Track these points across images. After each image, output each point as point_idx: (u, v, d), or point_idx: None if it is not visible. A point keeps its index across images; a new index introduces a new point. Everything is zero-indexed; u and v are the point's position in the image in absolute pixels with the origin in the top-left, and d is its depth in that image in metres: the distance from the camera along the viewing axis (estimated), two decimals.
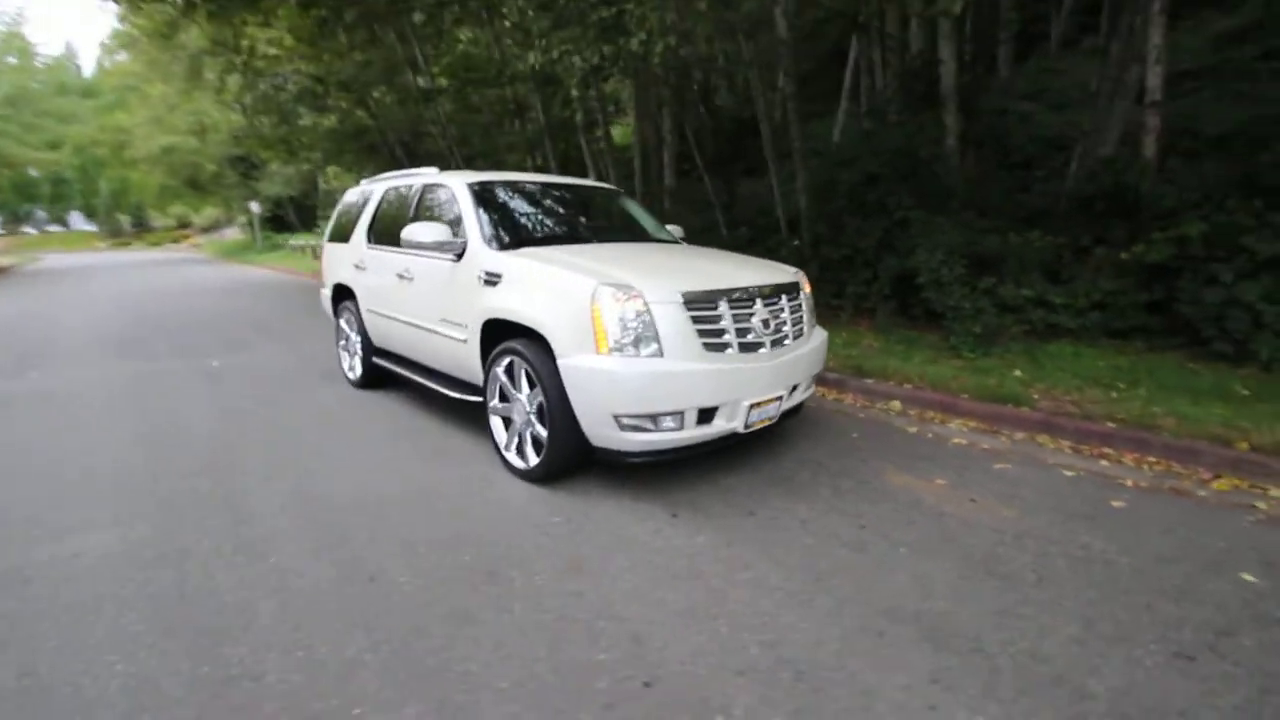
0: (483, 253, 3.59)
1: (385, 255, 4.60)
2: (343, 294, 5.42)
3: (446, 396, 3.95)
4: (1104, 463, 3.55)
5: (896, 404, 4.66)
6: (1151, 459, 3.55)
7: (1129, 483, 3.28)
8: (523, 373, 3.25)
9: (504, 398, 3.45)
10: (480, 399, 3.71)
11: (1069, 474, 3.40)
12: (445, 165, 14.63)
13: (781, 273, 3.57)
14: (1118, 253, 5.51)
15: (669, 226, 4.71)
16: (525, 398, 3.26)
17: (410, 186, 4.62)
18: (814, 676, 1.88)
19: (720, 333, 3.03)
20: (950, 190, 6.74)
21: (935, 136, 7.03)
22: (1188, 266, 4.88)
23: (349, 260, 5.17)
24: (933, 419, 4.38)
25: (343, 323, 5.45)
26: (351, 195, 5.67)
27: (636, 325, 2.86)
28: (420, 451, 3.79)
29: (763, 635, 2.06)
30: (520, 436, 3.36)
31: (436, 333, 3.94)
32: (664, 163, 10.69)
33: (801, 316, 3.50)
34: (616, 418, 2.86)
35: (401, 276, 4.30)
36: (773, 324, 3.23)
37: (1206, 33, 6.58)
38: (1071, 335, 5.41)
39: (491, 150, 13.66)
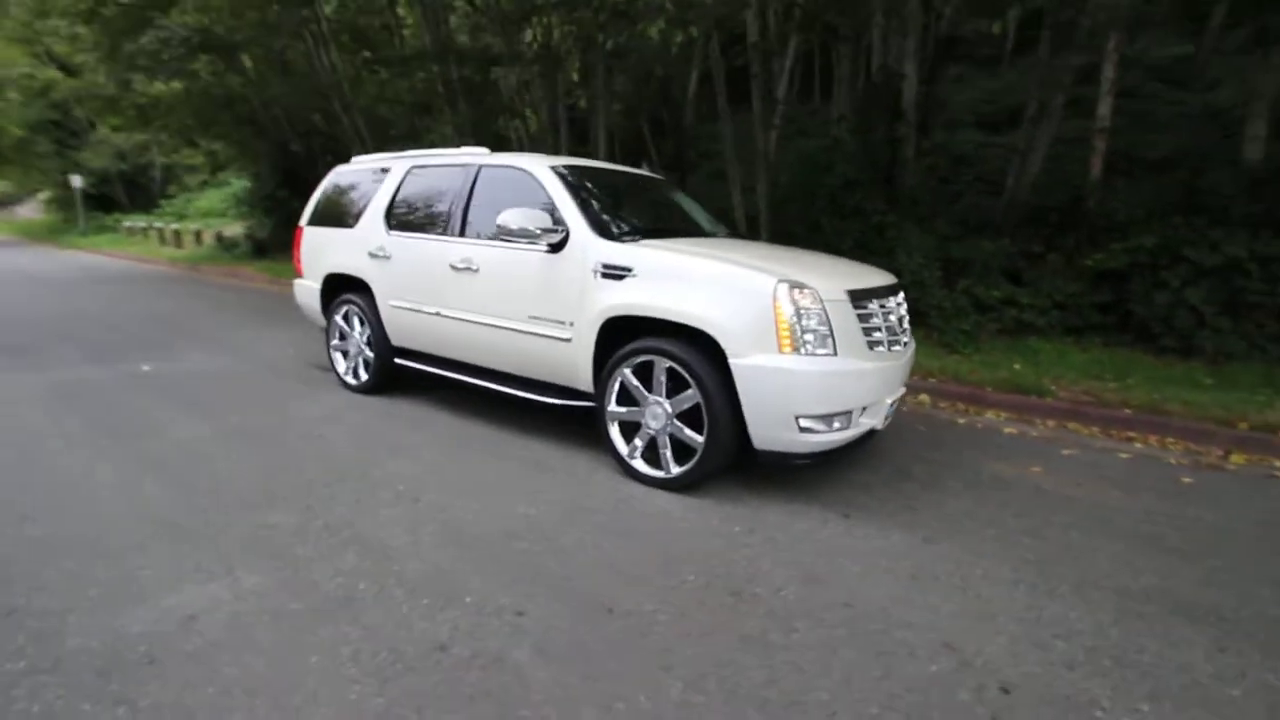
0: (596, 244, 3.31)
1: (425, 243, 4.08)
2: (342, 286, 4.73)
3: (495, 397, 3.60)
4: (1138, 445, 4.04)
5: (925, 398, 4.97)
6: (1170, 440, 4.10)
7: (1172, 461, 3.77)
8: (663, 375, 3.04)
9: (628, 401, 3.21)
10: (585, 404, 3.43)
11: (1124, 456, 3.83)
12: (349, 151, 13.35)
13: (885, 274, 3.66)
14: (1070, 259, 6.31)
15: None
16: (667, 401, 3.06)
17: (455, 167, 4.13)
18: (1133, 663, 1.96)
19: (872, 330, 3.04)
20: (914, 198, 7.30)
21: (896, 146, 7.57)
22: (1137, 273, 5.69)
23: (355, 248, 4.52)
24: (967, 410, 4.73)
25: (339, 320, 4.75)
26: (345, 174, 4.97)
27: (815, 324, 2.79)
28: (523, 465, 3.42)
29: (1052, 629, 2.11)
30: (653, 443, 3.15)
31: (520, 331, 3.57)
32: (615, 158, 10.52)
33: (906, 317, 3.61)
34: (797, 419, 2.77)
35: (457, 268, 3.84)
36: (899, 323, 3.31)
37: (1145, 64, 7.68)
38: (1039, 332, 6.09)
39: (410, 136, 12.61)
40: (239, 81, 12.95)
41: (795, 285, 2.80)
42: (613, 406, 3.26)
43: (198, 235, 17.28)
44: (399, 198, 4.39)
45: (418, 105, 12.00)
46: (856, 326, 2.94)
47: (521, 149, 10.45)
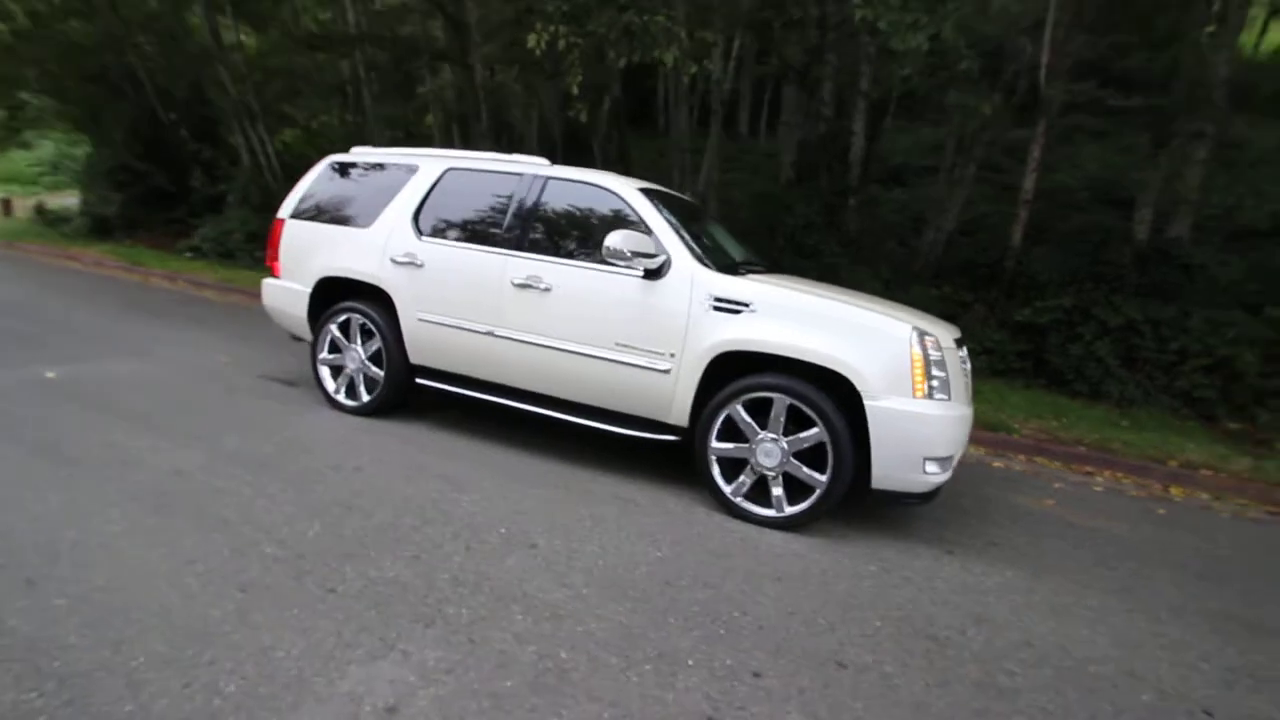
0: (704, 275, 3.22)
1: (475, 255, 3.71)
2: (342, 293, 4.13)
3: (504, 418, 3.39)
4: (1099, 479, 4.70)
5: None
6: (1120, 474, 4.82)
7: (1134, 494, 4.44)
8: (783, 412, 3.02)
9: (735, 438, 3.14)
10: (671, 438, 3.30)
11: (1099, 489, 4.44)
12: (229, 128, 11.76)
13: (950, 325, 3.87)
14: (993, 309, 7.21)
15: None
16: (784, 439, 3.03)
17: (509, 175, 3.81)
18: (1268, 676, 2.27)
19: (965, 377, 3.27)
20: (859, 243, 7.96)
21: (845, 194, 8.23)
22: (1054, 327, 6.65)
23: (369, 251, 3.99)
24: None
25: (333, 330, 4.14)
26: (346, 165, 4.38)
27: (940, 370, 2.95)
28: (608, 501, 3.20)
29: (1188, 653, 2.39)
30: (762, 480, 3.10)
31: (603, 359, 3.35)
32: None
33: None
34: (925, 460, 2.89)
35: (520, 285, 3.54)
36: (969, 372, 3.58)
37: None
38: (976, 375, 6.87)
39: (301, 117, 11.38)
40: (95, 30, 10.92)
41: (925, 333, 2.95)
42: (715, 443, 3.18)
43: (4, 205, 14.15)
44: (432, 199, 3.96)
45: (333, 88, 10.89)
46: (961, 372, 3.14)
47: (430, 144, 9.90)
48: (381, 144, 11.06)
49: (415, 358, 3.96)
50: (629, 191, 3.53)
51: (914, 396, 2.87)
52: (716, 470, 3.19)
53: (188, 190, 12.16)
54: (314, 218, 4.31)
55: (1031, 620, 2.51)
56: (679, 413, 3.28)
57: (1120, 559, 3.22)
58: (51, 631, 1.84)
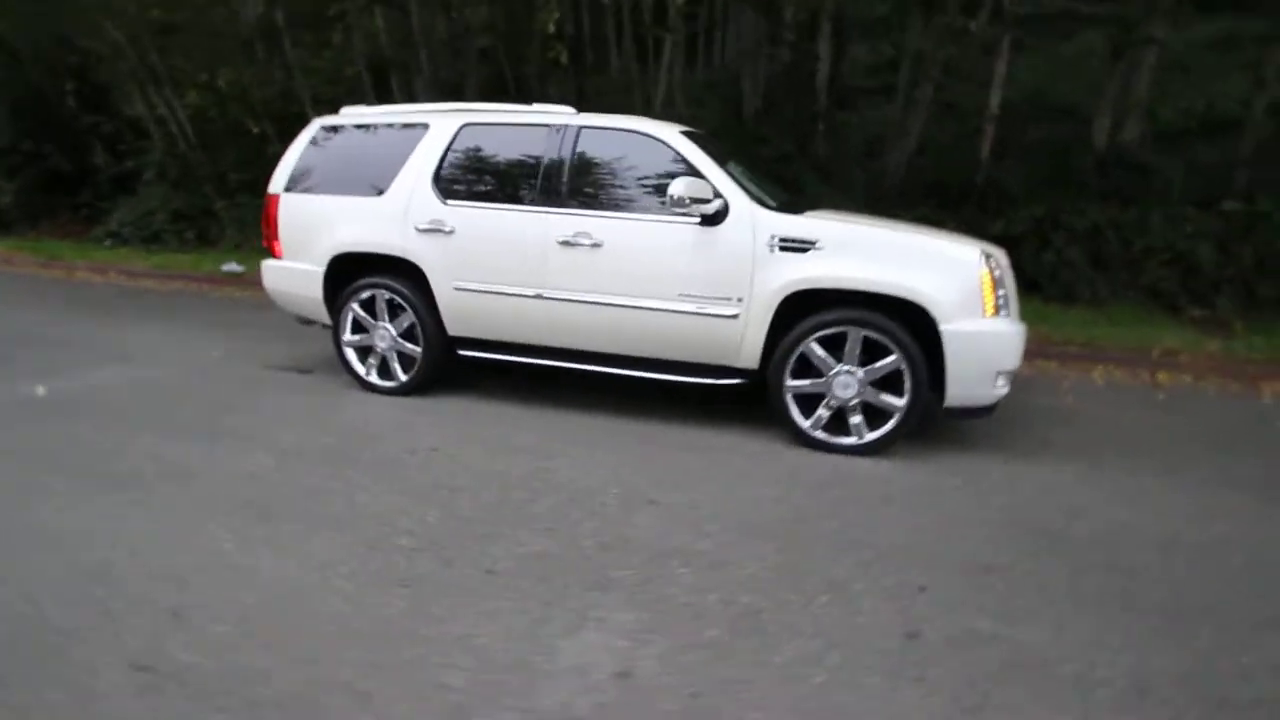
0: (765, 216, 3.21)
1: (511, 216, 3.55)
2: (361, 269, 3.88)
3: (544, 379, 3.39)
4: (1094, 374, 5.08)
5: None
6: (1112, 366, 5.23)
7: (1132, 383, 4.84)
8: (858, 344, 3.10)
9: (809, 374, 3.21)
10: (737, 381, 3.34)
11: (1100, 383, 4.81)
12: (128, 94, 10.53)
13: None
14: (969, 226, 7.49)
15: None
16: (861, 370, 3.13)
17: (534, 127, 3.61)
18: None
19: (1015, 294, 3.42)
20: (830, 170, 8.03)
21: (813, 120, 8.22)
22: (1027, 237, 6.98)
23: (389, 221, 3.75)
24: None
25: (356, 309, 3.91)
26: (339, 128, 4.04)
27: (1003, 289, 3.08)
28: (694, 451, 3.25)
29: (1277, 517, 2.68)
30: (839, 411, 3.20)
31: (667, 311, 3.32)
32: None
33: None
34: (998, 375, 3.05)
35: (569, 243, 3.42)
36: None
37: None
38: None
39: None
40: None
41: (989, 254, 3.06)
42: (791, 381, 3.24)
43: None
44: (450, 160, 3.72)
45: (241, 41, 9.82)
46: (1014, 290, 3.30)
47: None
48: (309, 101, 10.24)
49: (455, 329, 3.80)
50: (673, 136, 3.42)
51: (984, 316, 3.01)
52: (795, 407, 3.28)
53: (91, 170, 10.94)
54: (313, 189, 3.99)
55: (1115, 507, 2.75)
56: (749, 356, 3.31)
57: (1152, 443, 3.54)
58: (234, 660, 1.75)
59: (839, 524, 2.54)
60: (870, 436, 3.19)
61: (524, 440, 3.32)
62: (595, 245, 3.40)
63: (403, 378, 3.94)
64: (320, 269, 3.94)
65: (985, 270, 3.01)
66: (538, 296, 3.54)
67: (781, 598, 2.06)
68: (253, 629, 1.88)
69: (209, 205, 10.55)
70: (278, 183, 4.07)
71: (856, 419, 3.20)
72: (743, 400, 3.59)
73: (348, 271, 3.93)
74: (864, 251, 3.11)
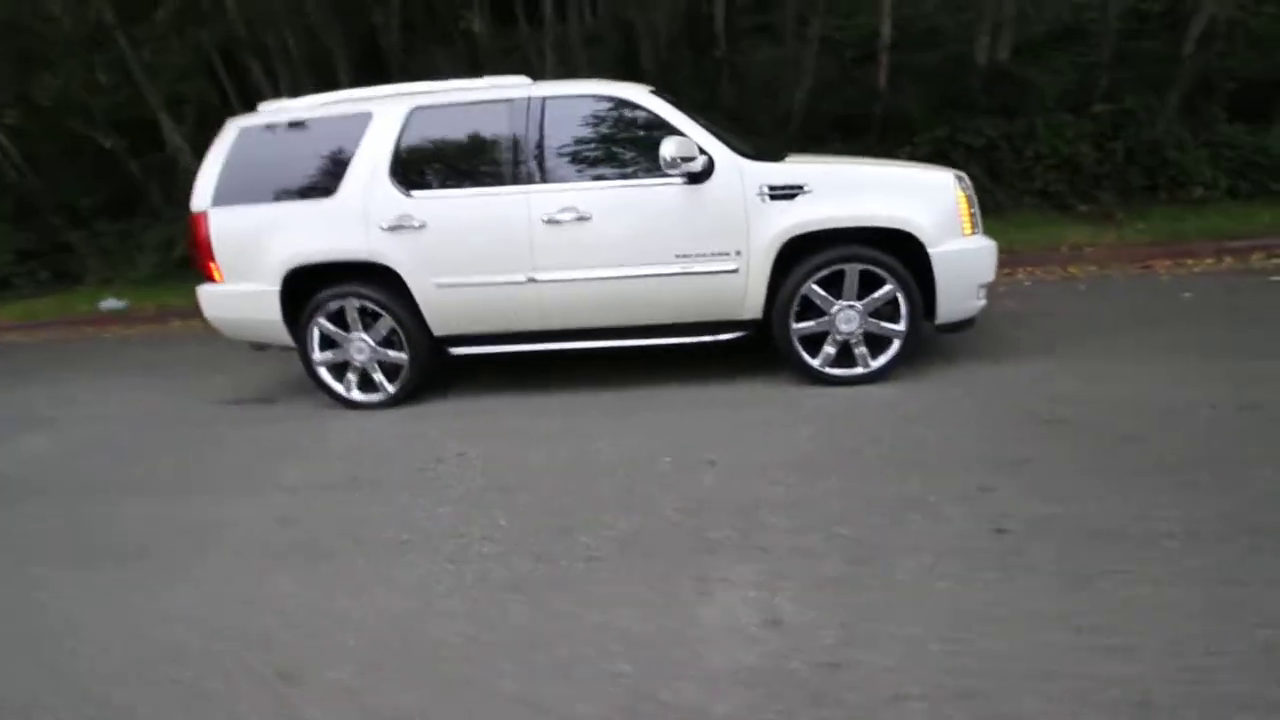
0: (750, 167, 3.25)
1: (487, 199, 3.39)
2: (322, 279, 3.57)
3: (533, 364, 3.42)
4: (1020, 276, 5.60)
5: None
6: (1031, 268, 5.77)
7: (1051, 279, 5.38)
8: (855, 279, 3.25)
9: (814, 314, 3.34)
10: (739, 334, 3.43)
11: (1028, 284, 5.32)
12: None
13: None
14: (874, 153, 7.89)
15: None
16: (859, 303, 3.29)
17: (493, 103, 3.42)
18: None
19: None
20: (735, 114, 8.17)
21: (715, 68, 8.28)
22: (931, 159, 7.46)
23: (347, 223, 3.48)
24: None
25: (323, 324, 3.62)
26: (263, 128, 3.64)
27: (973, 206, 3.31)
28: (724, 407, 3.33)
29: (1240, 370, 3.10)
30: (844, 346, 3.36)
31: (666, 275, 3.32)
32: None
33: None
34: (980, 288, 3.31)
35: (555, 220, 3.32)
36: None
37: None
38: None
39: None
40: None
41: (960, 176, 3.27)
42: (796, 324, 3.36)
43: None
44: (405, 149, 3.47)
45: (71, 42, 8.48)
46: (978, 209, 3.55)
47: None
48: (164, 104, 9.08)
49: (441, 329, 3.62)
50: (644, 96, 3.37)
51: (964, 235, 3.24)
52: (801, 349, 3.41)
53: None
54: (247, 200, 3.61)
55: (1100, 386, 3.09)
56: (752, 306, 3.40)
57: (1097, 327, 3.99)
58: (376, 704, 1.65)
59: (884, 448, 2.71)
60: (876, 364, 3.38)
61: (547, 427, 3.26)
62: (583, 219, 3.32)
63: (390, 389, 3.72)
64: (274, 287, 3.59)
65: (960, 192, 3.23)
66: (529, 280, 3.43)
67: (873, 523, 2.20)
68: (378, 668, 1.78)
69: (61, 239, 9.26)
70: (202, 198, 3.63)
71: (861, 349, 3.38)
72: (729, 351, 3.67)
73: (305, 285, 3.62)
74: (850, 190, 3.24)
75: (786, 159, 3.43)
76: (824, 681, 1.59)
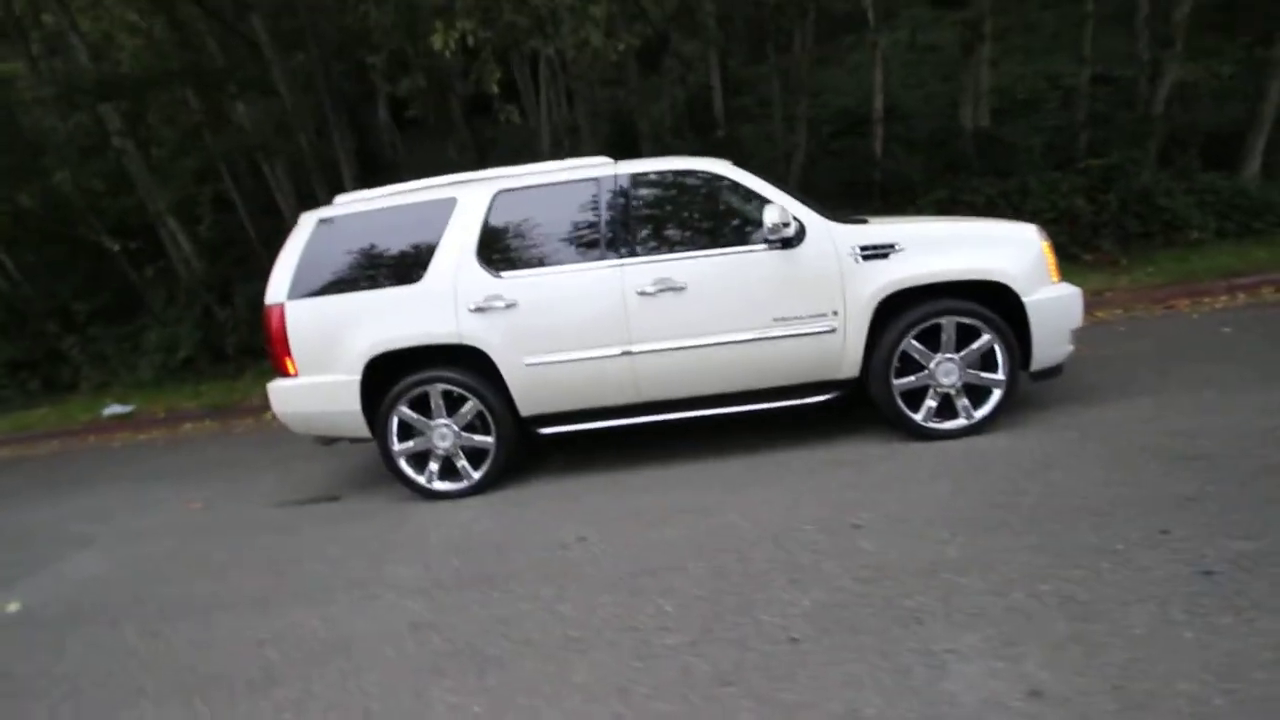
0: (839, 230, 3.33)
1: (580, 276, 3.38)
2: (407, 366, 3.46)
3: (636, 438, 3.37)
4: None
5: None
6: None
7: (1091, 322, 5.55)
8: (953, 332, 3.28)
9: (913, 370, 3.34)
10: (835, 395, 3.40)
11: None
12: None
13: None
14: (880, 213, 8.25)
15: None
16: (959, 356, 3.31)
17: (576, 183, 3.47)
18: None
19: None
20: None
21: (716, 146, 8.65)
22: None
23: (435, 307, 3.42)
24: None
25: (404, 412, 3.49)
26: (342, 218, 3.61)
27: (1054, 255, 3.43)
28: (844, 466, 3.25)
29: None
30: (945, 398, 3.35)
31: (763, 339, 3.31)
32: None
33: None
34: (1071, 333, 3.37)
35: (649, 293, 3.31)
36: None
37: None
38: None
39: None
40: None
41: (1040, 227, 3.40)
42: (896, 380, 3.35)
43: None
44: (491, 231, 3.47)
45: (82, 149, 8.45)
46: None
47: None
48: (168, 206, 9.04)
49: (529, 409, 3.51)
50: (729, 170, 3.46)
51: (1053, 283, 3.33)
52: (903, 405, 3.39)
53: None
54: (326, 290, 3.53)
55: (1220, 421, 3.08)
56: (850, 365, 3.39)
57: (1167, 366, 4.06)
58: None
59: (1032, 498, 2.66)
60: (979, 415, 3.37)
61: (660, 503, 3.13)
62: (679, 289, 3.33)
63: (475, 475, 3.56)
64: (355, 377, 3.47)
65: (1044, 242, 3.34)
66: (624, 354, 3.38)
67: (1072, 576, 2.11)
68: None
69: (53, 346, 8.92)
70: (278, 290, 3.54)
71: (963, 401, 3.37)
72: (815, 414, 3.65)
73: (384, 374, 3.51)
74: (940, 246, 3.33)
75: (870, 221, 3.53)
76: None
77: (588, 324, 3.38)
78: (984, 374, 3.35)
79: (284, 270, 3.57)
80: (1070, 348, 3.44)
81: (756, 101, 9.92)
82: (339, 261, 3.57)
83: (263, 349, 8.38)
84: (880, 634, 1.98)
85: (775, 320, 3.33)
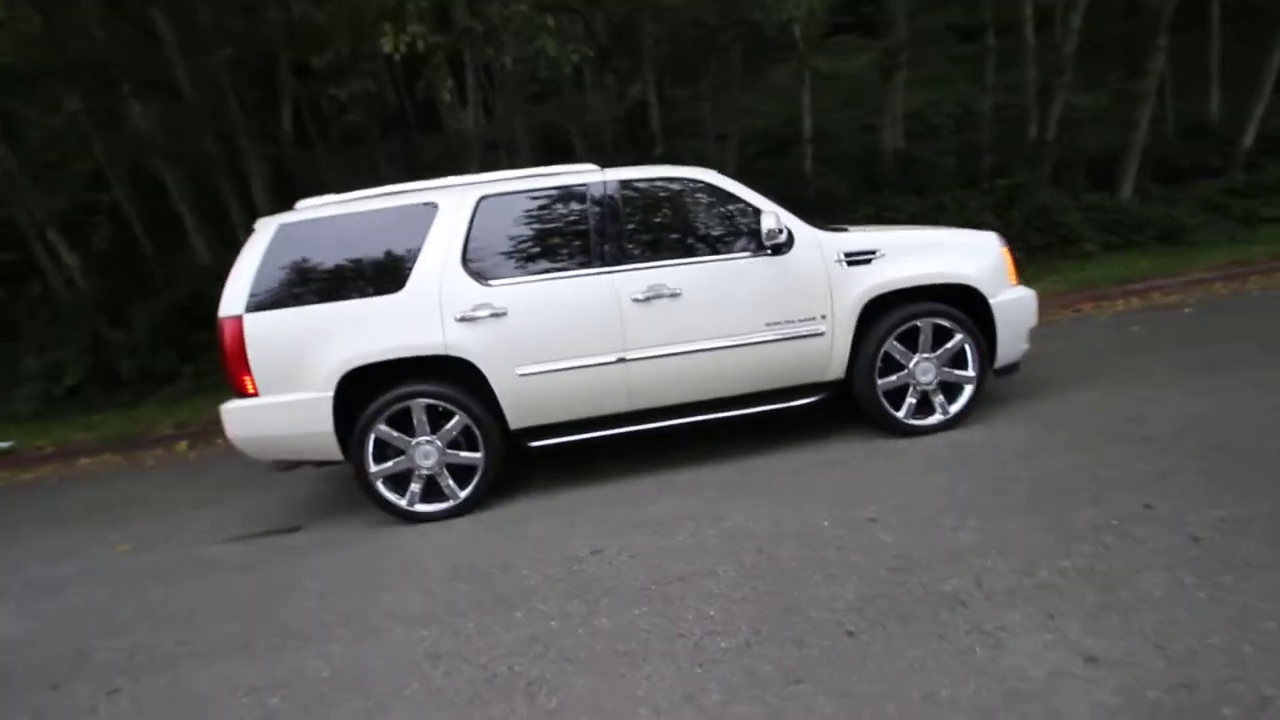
0: (824, 237, 3.47)
1: (572, 283, 3.30)
2: (381, 381, 3.23)
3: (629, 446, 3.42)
4: None
5: None
6: None
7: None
8: (929, 333, 3.47)
9: (895, 369, 3.49)
10: (819, 397, 3.51)
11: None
12: None
13: None
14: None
15: None
16: (935, 355, 3.49)
17: (563, 190, 3.41)
18: None
19: None
20: None
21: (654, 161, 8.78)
22: None
23: (418, 317, 3.22)
24: None
25: (383, 430, 3.25)
26: (308, 224, 3.35)
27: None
28: (837, 464, 3.34)
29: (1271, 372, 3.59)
30: (924, 396, 3.53)
31: (757, 343, 3.37)
32: None
33: None
34: (1029, 331, 3.65)
35: (643, 299, 3.29)
36: None
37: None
38: None
39: None
40: None
41: (999, 232, 3.67)
42: (880, 380, 3.50)
43: None
44: (477, 238, 3.32)
45: None
46: None
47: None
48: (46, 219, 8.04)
49: (519, 421, 3.38)
50: (717, 178, 3.52)
51: (1012, 285, 3.60)
52: (887, 403, 3.53)
53: None
54: (290, 301, 3.25)
55: (1162, 408, 3.44)
56: (836, 367, 3.51)
57: (1097, 361, 4.51)
58: None
59: (1026, 485, 2.84)
60: (954, 410, 3.57)
61: (666, 511, 3.08)
62: (674, 295, 3.33)
63: (461, 494, 3.36)
64: (327, 394, 3.20)
65: (1004, 247, 3.62)
66: (619, 360, 3.33)
67: (1084, 551, 2.27)
68: None
69: None
70: (234, 302, 3.22)
71: (940, 398, 3.57)
72: (795, 417, 3.74)
73: (354, 391, 3.26)
74: (917, 252, 3.52)
75: (850, 230, 3.68)
76: (1200, 703, 1.58)
77: (582, 331, 3.31)
78: (956, 371, 3.57)
79: (241, 280, 3.25)
80: (1026, 345, 3.72)
81: (682, 121, 10.20)
82: (304, 270, 3.30)
83: (165, 374, 7.79)
84: (930, 619, 2.04)
85: (768, 324, 3.40)
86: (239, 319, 3.22)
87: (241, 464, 3.99)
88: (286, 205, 3.57)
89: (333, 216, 3.37)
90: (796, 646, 2.01)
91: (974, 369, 3.55)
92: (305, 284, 3.29)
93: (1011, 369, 3.76)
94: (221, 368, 3.32)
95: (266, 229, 3.35)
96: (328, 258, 3.34)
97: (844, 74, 10.24)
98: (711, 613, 2.24)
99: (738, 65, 8.60)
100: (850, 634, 2.03)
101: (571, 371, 3.32)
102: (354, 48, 5.09)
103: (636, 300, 3.31)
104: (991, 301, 3.51)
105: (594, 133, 8.73)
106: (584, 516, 3.18)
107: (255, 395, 3.25)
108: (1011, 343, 3.61)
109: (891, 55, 8.02)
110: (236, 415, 3.29)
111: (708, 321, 3.37)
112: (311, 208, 3.45)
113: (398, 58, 4.87)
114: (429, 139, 10.01)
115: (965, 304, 3.52)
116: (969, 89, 9.58)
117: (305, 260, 3.32)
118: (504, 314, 3.26)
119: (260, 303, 3.24)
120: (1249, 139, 8.71)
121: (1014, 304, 3.57)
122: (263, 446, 3.36)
